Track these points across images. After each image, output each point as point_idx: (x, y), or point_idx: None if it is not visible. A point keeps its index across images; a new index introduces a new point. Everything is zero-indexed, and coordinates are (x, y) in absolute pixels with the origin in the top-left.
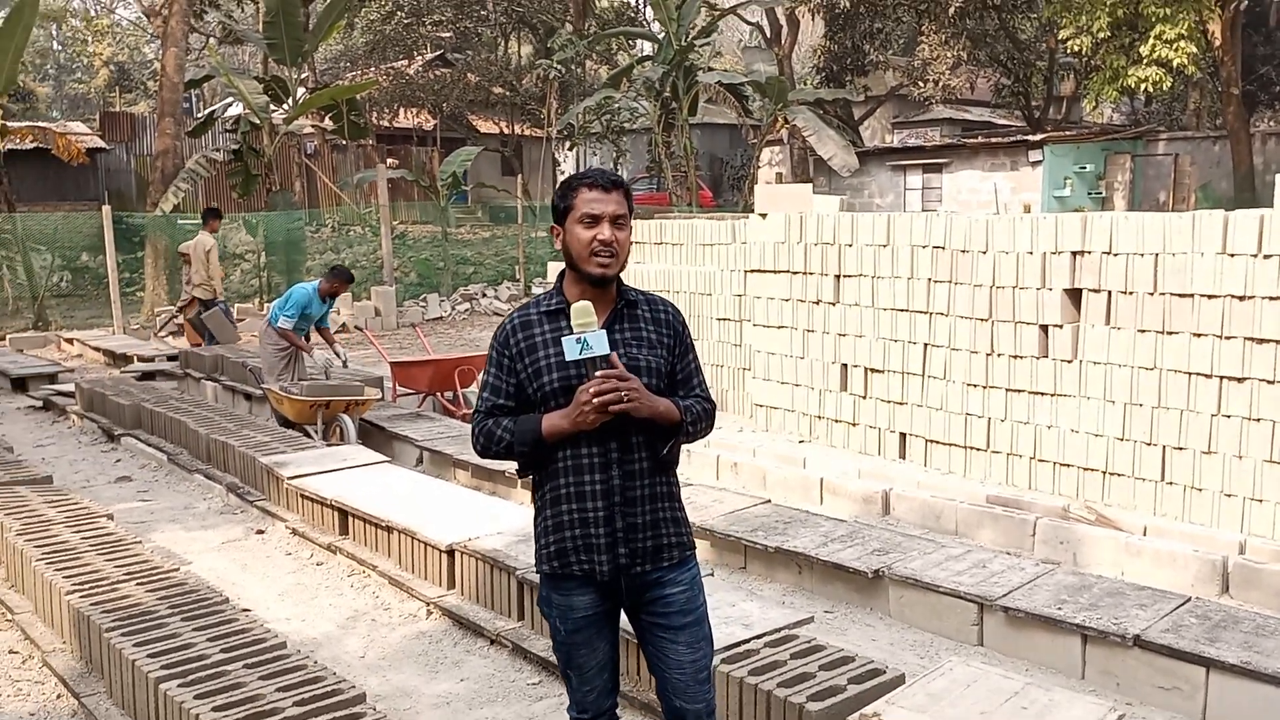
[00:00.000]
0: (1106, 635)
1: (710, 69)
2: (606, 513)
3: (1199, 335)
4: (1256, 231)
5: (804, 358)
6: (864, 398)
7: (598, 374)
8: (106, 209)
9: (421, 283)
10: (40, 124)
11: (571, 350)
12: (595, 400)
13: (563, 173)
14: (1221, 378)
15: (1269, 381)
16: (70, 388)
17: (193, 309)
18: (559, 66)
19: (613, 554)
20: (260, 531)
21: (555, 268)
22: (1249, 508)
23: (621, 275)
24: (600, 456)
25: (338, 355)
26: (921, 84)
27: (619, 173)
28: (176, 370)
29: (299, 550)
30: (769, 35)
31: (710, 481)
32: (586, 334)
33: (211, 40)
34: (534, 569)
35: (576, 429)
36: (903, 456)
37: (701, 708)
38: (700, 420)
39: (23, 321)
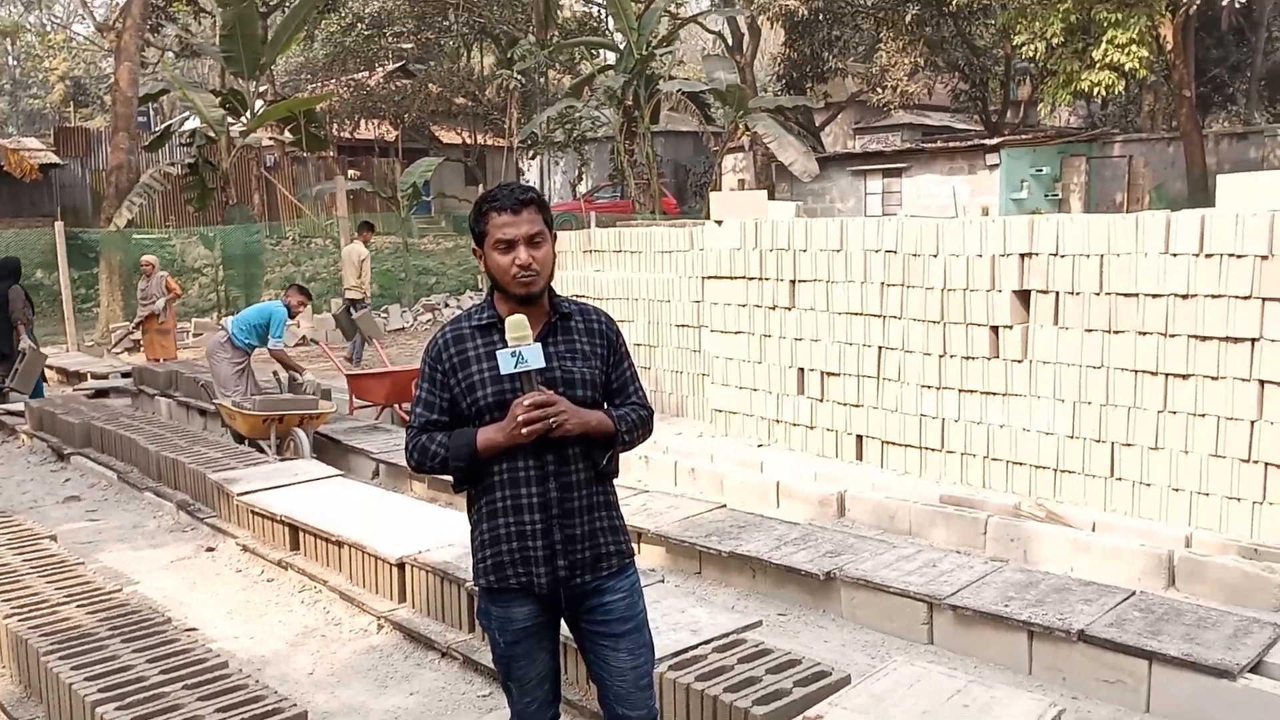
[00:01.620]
0: (1052, 631)
1: (672, 77)
2: (544, 525)
3: (1144, 334)
4: (1198, 232)
5: (761, 362)
6: (820, 401)
7: (524, 400)
8: (59, 225)
9: (383, 294)
10: None
11: (506, 364)
12: (524, 430)
13: (526, 181)
14: (1167, 375)
15: (1212, 378)
16: (20, 406)
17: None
18: (520, 77)
19: (551, 566)
20: (210, 549)
21: None
22: (1195, 501)
23: (554, 286)
24: (537, 469)
25: (295, 379)
26: (880, 90)
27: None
28: (130, 387)
29: (249, 567)
30: (730, 43)
31: (668, 487)
32: (521, 348)
33: (168, 54)
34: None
35: (512, 443)
36: (859, 458)
37: (644, 714)
38: (637, 428)
39: None
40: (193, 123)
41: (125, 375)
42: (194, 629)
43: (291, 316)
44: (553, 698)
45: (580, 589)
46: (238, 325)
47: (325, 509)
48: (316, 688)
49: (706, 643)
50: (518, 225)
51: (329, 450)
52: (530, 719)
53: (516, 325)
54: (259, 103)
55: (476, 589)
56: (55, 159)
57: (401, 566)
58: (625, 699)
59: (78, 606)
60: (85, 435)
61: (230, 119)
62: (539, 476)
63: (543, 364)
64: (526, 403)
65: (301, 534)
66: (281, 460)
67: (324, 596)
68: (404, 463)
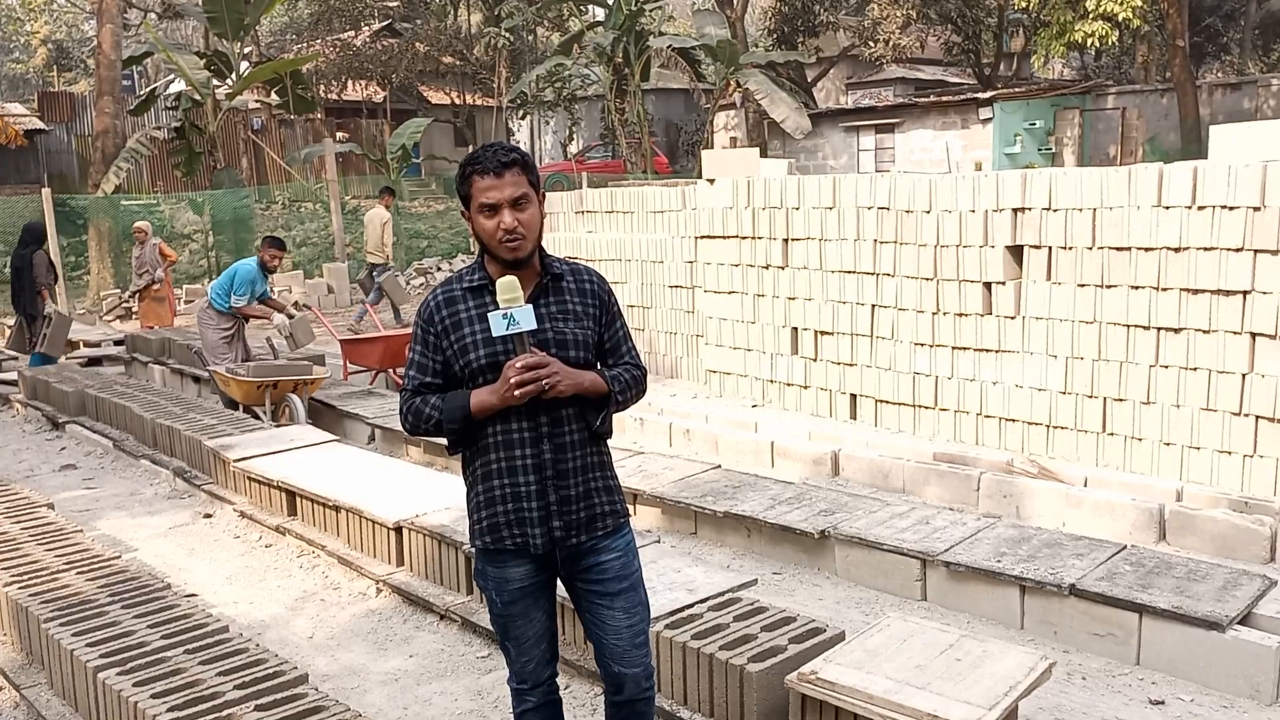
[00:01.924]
0: (1043, 585)
1: (662, 33)
2: (539, 486)
3: (1136, 288)
4: (1190, 184)
5: (755, 322)
6: (814, 360)
7: (517, 362)
8: (46, 192)
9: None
10: None
11: (498, 326)
12: (517, 393)
13: (516, 141)
14: (1159, 329)
15: (1204, 331)
16: (13, 376)
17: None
18: (508, 34)
19: (546, 527)
20: (208, 515)
21: None
22: (1187, 455)
23: (544, 246)
24: (531, 431)
25: (291, 317)
26: (873, 44)
27: (573, 140)
28: (123, 355)
29: (247, 533)
30: None
31: (663, 449)
32: (513, 309)
33: (151, 15)
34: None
35: (505, 405)
36: (853, 417)
37: (639, 671)
38: (630, 388)
39: None
40: (178, 85)
41: (118, 343)
42: (193, 595)
43: (268, 271)
44: (550, 657)
45: (576, 549)
46: (214, 289)
47: (322, 474)
48: (316, 651)
49: (702, 601)
50: (501, 188)
51: (324, 416)
52: (528, 678)
53: (508, 287)
54: (244, 64)
55: (473, 550)
56: (40, 124)
57: (399, 530)
58: (621, 657)
59: (77, 573)
60: (80, 403)
61: (215, 81)
62: (533, 438)
63: (534, 325)
64: (519, 364)
65: (299, 499)
66: (277, 426)
67: (322, 561)
68: (399, 427)
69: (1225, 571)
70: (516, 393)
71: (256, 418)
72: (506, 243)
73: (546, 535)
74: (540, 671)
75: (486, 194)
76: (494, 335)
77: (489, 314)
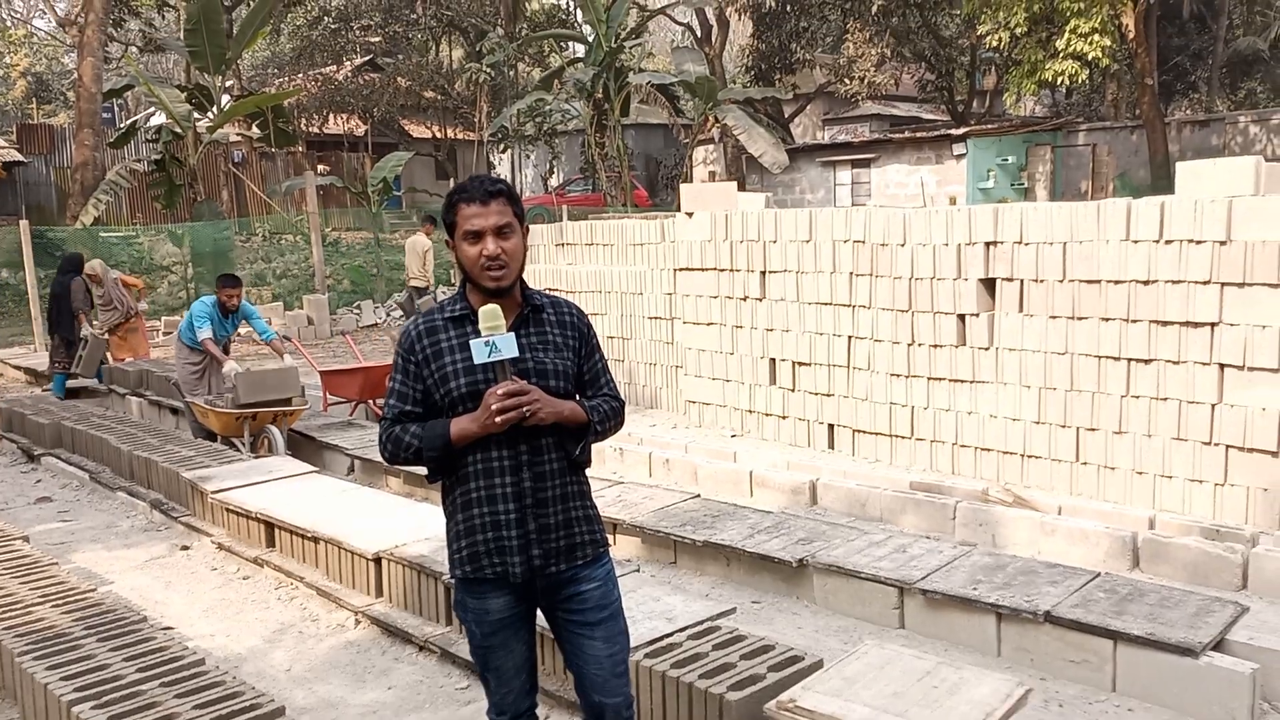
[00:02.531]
0: (1019, 612)
1: (641, 69)
2: (519, 515)
3: (1107, 320)
4: (1158, 219)
5: (733, 353)
6: (792, 391)
7: (498, 389)
8: (24, 224)
9: (355, 290)
10: None
11: (480, 354)
12: (499, 419)
13: (497, 175)
14: (1129, 360)
15: (1174, 362)
16: None
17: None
18: (489, 70)
19: (525, 555)
20: (185, 548)
21: None
22: (1159, 484)
23: (525, 278)
24: (511, 459)
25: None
26: (848, 81)
27: (554, 174)
28: (100, 387)
29: (225, 565)
30: (699, 35)
31: (643, 479)
32: (495, 337)
33: (132, 49)
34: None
35: (485, 432)
36: (831, 447)
37: (620, 701)
38: (609, 419)
39: None
40: (158, 119)
41: (95, 376)
42: (170, 627)
43: (224, 312)
44: (529, 687)
45: (555, 578)
46: (182, 326)
47: (301, 505)
48: (294, 684)
49: (681, 630)
50: (486, 216)
51: (303, 447)
52: (508, 709)
53: (490, 315)
54: (225, 98)
55: (453, 581)
56: (19, 156)
57: (378, 561)
58: (602, 686)
59: (52, 606)
60: (56, 435)
61: (197, 114)
62: (513, 466)
63: (516, 353)
64: (500, 391)
65: (277, 531)
66: (256, 457)
67: (300, 593)
68: (379, 458)
69: (1198, 598)
70: (498, 419)
71: (235, 449)
72: (489, 270)
73: (526, 564)
74: (520, 702)
75: (471, 221)
76: (476, 362)
77: (471, 341)
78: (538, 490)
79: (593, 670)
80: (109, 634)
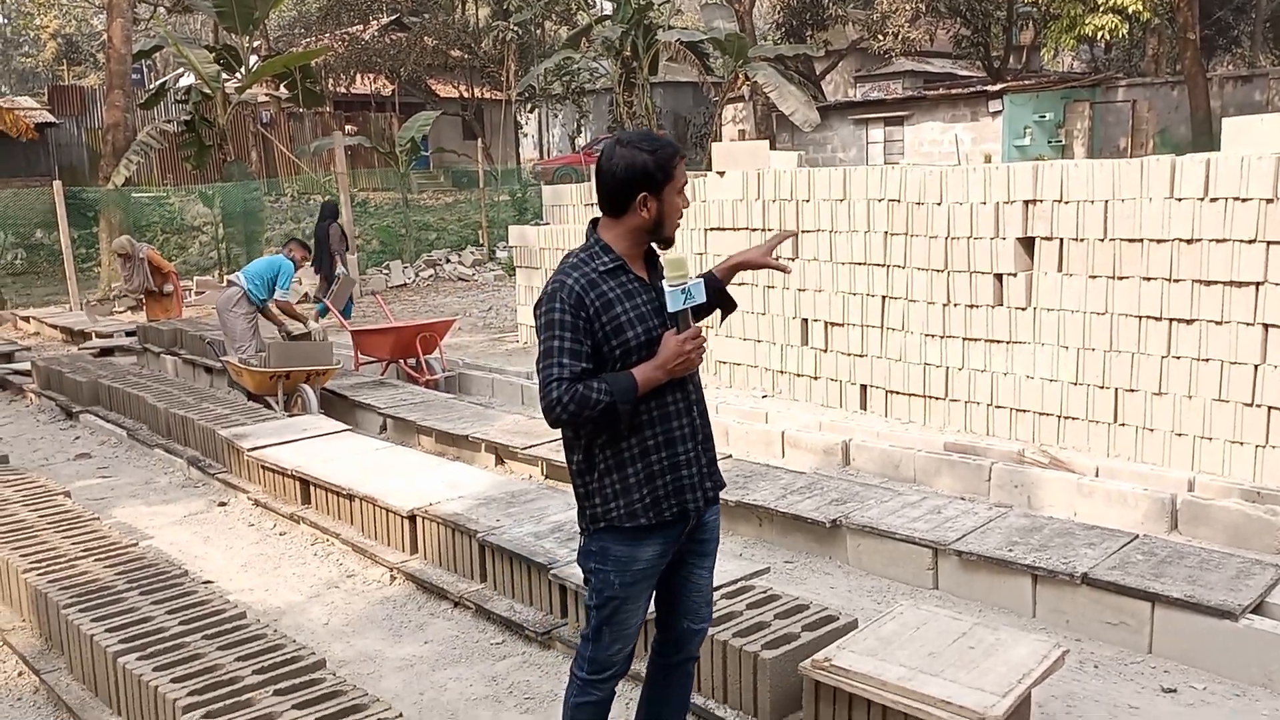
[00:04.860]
0: (1055, 574)
1: (670, 27)
2: (695, 453)
3: (1148, 279)
4: (1203, 176)
5: (765, 314)
6: (825, 351)
7: (688, 333)
8: (58, 184)
9: (384, 250)
10: None
11: (675, 301)
12: (696, 355)
13: (525, 134)
14: (1171, 320)
15: (1216, 322)
16: (27, 366)
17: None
18: (516, 28)
19: (702, 490)
20: (222, 504)
21: (517, 231)
22: (1199, 446)
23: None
24: (684, 401)
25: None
26: (881, 37)
27: (581, 133)
28: (135, 345)
29: (261, 521)
30: None
31: None
32: (690, 284)
33: (160, 10)
34: (590, 526)
35: (670, 378)
36: (864, 408)
37: (705, 626)
38: None
39: None
40: (188, 79)
41: (130, 334)
42: (210, 581)
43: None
44: (632, 652)
45: (706, 511)
46: (251, 280)
47: (335, 463)
48: (332, 637)
49: (716, 589)
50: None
51: (336, 406)
52: (614, 665)
53: (680, 264)
54: (253, 58)
55: (588, 531)
56: (51, 118)
57: (413, 519)
58: (696, 612)
59: (95, 560)
60: (93, 393)
61: (225, 75)
62: (685, 408)
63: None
64: (697, 338)
65: (313, 488)
66: (289, 416)
67: (336, 549)
68: (411, 417)
69: (1238, 561)
70: (696, 355)
71: (269, 407)
72: (678, 222)
73: (702, 497)
74: (626, 663)
75: (684, 175)
76: (670, 310)
77: (666, 290)
78: (704, 426)
79: (694, 597)
80: (150, 588)
